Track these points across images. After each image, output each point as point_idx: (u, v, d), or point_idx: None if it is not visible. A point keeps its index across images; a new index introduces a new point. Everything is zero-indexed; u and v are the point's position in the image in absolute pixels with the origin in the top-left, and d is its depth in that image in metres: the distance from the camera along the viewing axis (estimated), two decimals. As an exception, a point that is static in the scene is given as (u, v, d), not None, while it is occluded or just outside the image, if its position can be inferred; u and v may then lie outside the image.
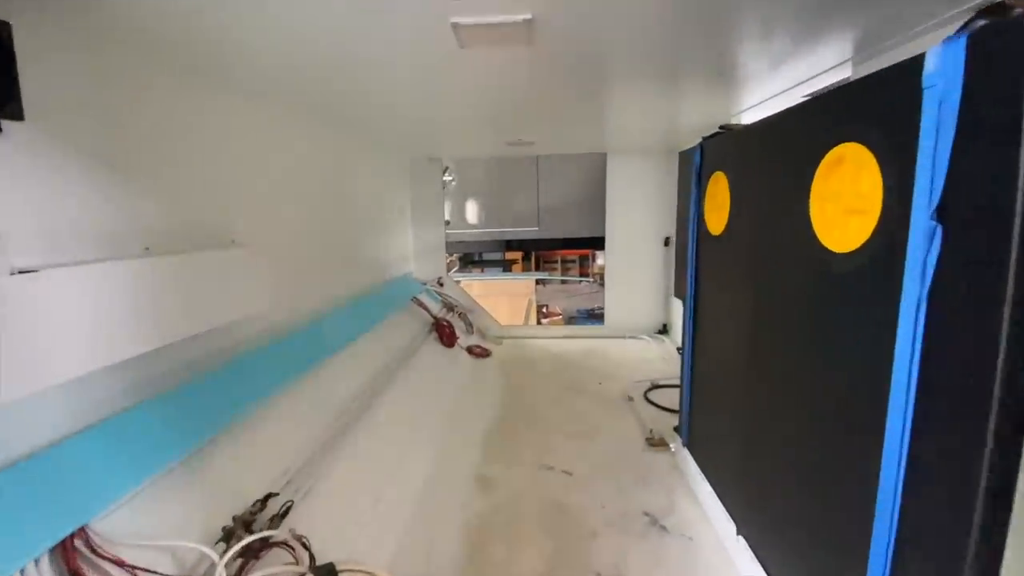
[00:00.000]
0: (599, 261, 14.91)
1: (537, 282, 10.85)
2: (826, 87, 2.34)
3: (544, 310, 9.51)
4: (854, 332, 1.15)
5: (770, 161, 1.54)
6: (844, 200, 1.17)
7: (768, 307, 1.57)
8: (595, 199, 6.87)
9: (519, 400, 3.39)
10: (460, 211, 7.65)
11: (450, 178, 6.21)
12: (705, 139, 2.13)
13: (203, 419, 1.63)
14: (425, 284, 4.77)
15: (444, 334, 4.10)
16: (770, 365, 1.56)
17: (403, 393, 2.79)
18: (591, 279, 14.50)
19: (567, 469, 2.44)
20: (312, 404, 2.18)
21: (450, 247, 5.35)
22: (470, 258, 11.88)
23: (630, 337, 4.98)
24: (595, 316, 9.63)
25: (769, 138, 1.56)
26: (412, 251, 5.07)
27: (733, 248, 1.85)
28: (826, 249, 1.23)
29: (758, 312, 1.64)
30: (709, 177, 2.07)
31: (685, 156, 2.32)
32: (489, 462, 2.50)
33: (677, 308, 4.80)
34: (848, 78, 2.14)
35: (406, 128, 3.41)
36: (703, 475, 2.16)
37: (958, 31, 0.89)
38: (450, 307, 4.72)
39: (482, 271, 12.05)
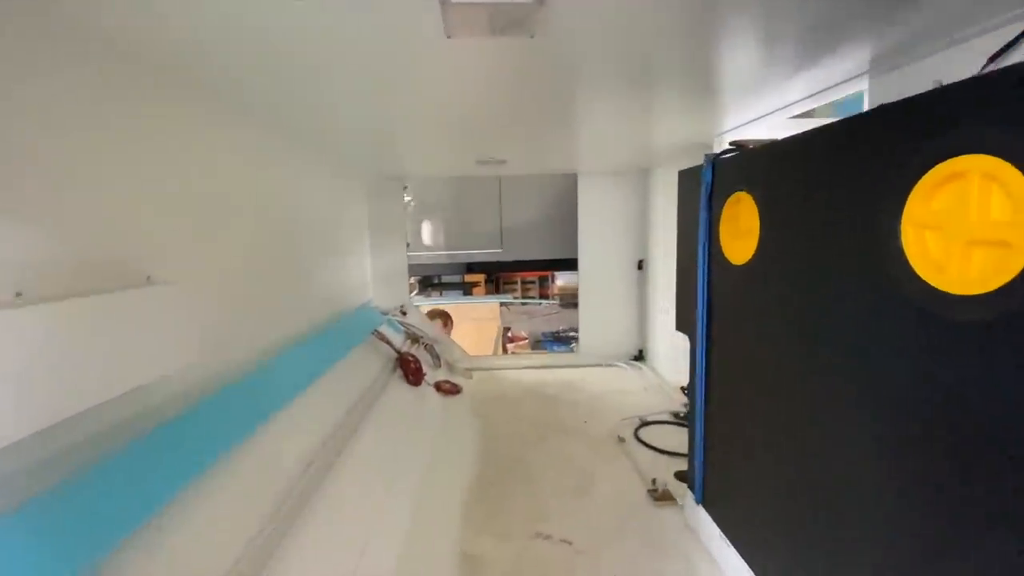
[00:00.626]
0: (559, 282, 14.78)
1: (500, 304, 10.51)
2: (835, 100, 2.18)
3: (508, 334, 9.17)
4: (996, 396, 0.87)
5: (831, 179, 1.28)
6: (964, 228, 0.91)
7: (832, 353, 1.29)
8: (559, 220, 6.67)
9: (499, 446, 3.01)
10: (419, 233, 7.26)
11: (409, 199, 5.87)
12: (717, 156, 1.88)
13: (101, 525, 1.19)
14: (387, 314, 4.35)
15: (409, 371, 3.68)
16: (834, 420, 1.29)
17: (366, 451, 2.37)
18: (552, 300, 14.32)
19: (566, 537, 2.08)
20: (255, 480, 1.74)
21: (409, 270, 4.97)
22: (429, 281, 11.45)
23: (606, 365, 4.73)
24: (561, 339, 9.38)
25: (827, 151, 1.30)
26: (371, 277, 4.66)
27: (767, 281, 1.58)
28: (935, 290, 0.97)
29: (816, 357, 1.36)
30: (725, 198, 1.82)
31: (687, 175, 2.07)
32: (474, 533, 2.11)
33: (653, 334, 4.58)
34: (862, 91, 1.97)
35: (367, 142, 3.05)
36: (725, 539, 1.87)
37: None
38: (415, 338, 4.31)
39: (441, 295, 11.62)
